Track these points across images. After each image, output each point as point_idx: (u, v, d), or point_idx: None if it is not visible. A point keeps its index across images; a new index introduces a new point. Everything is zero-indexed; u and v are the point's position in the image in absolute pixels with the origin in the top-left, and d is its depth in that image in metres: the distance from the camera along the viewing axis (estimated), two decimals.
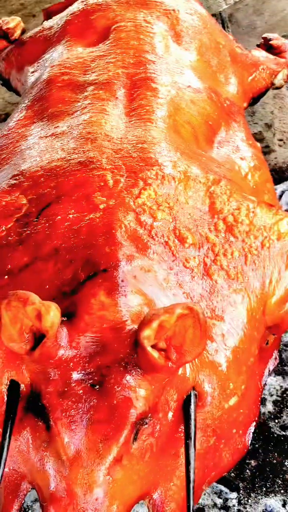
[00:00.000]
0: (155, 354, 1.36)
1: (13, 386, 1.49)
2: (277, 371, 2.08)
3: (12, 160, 2.01)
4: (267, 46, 3.05)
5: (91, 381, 1.41)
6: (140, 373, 1.41)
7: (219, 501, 1.82)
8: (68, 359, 1.42)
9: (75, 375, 1.42)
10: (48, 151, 1.95)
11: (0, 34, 3.08)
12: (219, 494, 1.84)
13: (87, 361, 1.42)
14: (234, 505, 1.81)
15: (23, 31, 3.10)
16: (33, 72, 2.68)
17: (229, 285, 1.68)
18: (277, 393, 2.04)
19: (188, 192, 1.80)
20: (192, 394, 1.52)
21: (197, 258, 1.69)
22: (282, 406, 2.01)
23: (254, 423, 1.72)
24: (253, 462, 1.89)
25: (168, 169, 1.82)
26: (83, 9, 2.75)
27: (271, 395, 2.03)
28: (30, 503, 1.83)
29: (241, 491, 1.84)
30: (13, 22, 3.08)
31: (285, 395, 2.03)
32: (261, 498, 1.81)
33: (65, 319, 1.46)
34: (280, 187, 2.77)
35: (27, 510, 1.82)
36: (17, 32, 3.06)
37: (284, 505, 1.79)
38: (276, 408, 2.00)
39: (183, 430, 1.51)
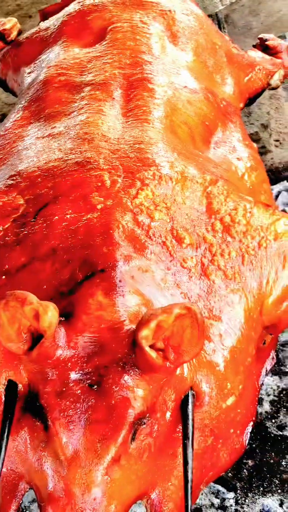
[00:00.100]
0: (153, 354, 1.36)
1: (11, 386, 1.49)
2: (274, 371, 2.08)
3: (9, 160, 2.01)
4: (263, 46, 3.05)
5: (89, 381, 1.41)
6: (138, 373, 1.41)
7: (216, 501, 1.83)
8: (66, 359, 1.42)
9: (73, 375, 1.42)
10: (45, 152, 1.95)
11: None
12: (217, 494, 1.84)
13: (85, 361, 1.42)
14: (231, 505, 1.81)
15: (20, 32, 3.10)
16: (29, 73, 2.68)
17: (226, 285, 1.68)
18: (274, 393, 2.04)
19: (185, 192, 1.80)
20: (190, 394, 1.53)
21: (194, 258, 1.69)
22: (279, 406, 2.01)
23: (251, 423, 1.72)
24: (250, 462, 1.89)
25: (165, 170, 1.82)
26: (79, 10, 2.75)
27: (268, 395, 2.03)
28: (28, 503, 1.83)
29: (239, 491, 1.84)
30: (10, 23, 3.08)
31: (282, 395, 2.03)
32: (258, 498, 1.82)
33: (63, 319, 1.46)
34: (276, 188, 2.78)
35: (24, 510, 1.82)
36: (14, 33, 3.06)
37: (281, 505, 1.79)
38: (273, 408, 2.01)
39: (181, 430, 1.51)
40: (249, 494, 1.83)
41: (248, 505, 1.81)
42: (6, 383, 1.50)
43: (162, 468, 1.52)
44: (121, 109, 2.12)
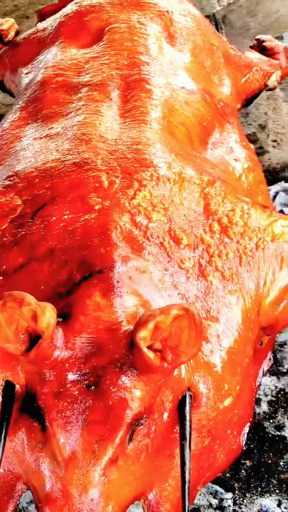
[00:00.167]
0: (150, 355, 1.36)
1: (8, 386, 1.49)
2: (272, 372, 2.08)
3: (7, 161, 2.01)
4: (260, 47, 3.05)
5: (87, 382, 1.41)
6: (136, 374, 1.41)
7: (214, 502, 1.83)
8: (64, 360, 1.43)
9: (71, 376, 1.42)
10: (42, 152, 1.95)
11: None
12: (215, 494, 1.84)
13: (83, 362, 1.43)
14: (229, 505, 1.82)
15: (17, 33, 3.09)
16: (27, 73, 2.68)
17: (224, 286, 1.69)
18: (271, 393, 2.04)
19: (183, 193, 1.81)
20: (187, 395, 1.53)
21: (192, 259, 1.69)
22: (276, 406, 2.01)
23: (248, 424, 1.73)
24: (248, 462, 1.89)
25: (163, 170, 1.82)
26: (76, 11, 2.75)
27: (266, 395, 2.04)
28: (26, 504, 1.83)
29: (237, 491, 1.84)
30: (7, 24, 3.07)
31: (279, 395, 2.04)
32: (256, 498, 1.82)
33: (60, 320, 1.46)
34: (274, 188, 2.78)
35: (22, 511, 1.82)
36: (11, 34, 3.06)
37: (279, 505, 1.79)
38: (271, 408, 2.01)
39: (178, 431, 1.51)
40: (247, 495, 1.83)
41: (246, 505, 1.81)
42: (3, 383, 1.50)
43: (160, 469, 1.52)
44: (119, 110, 2.12)
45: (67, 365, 1.42)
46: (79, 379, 1.41)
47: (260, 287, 1.74)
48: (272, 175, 2.89)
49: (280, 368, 2.10)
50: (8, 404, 1.48)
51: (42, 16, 3.19)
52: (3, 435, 1.45)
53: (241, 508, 1.81)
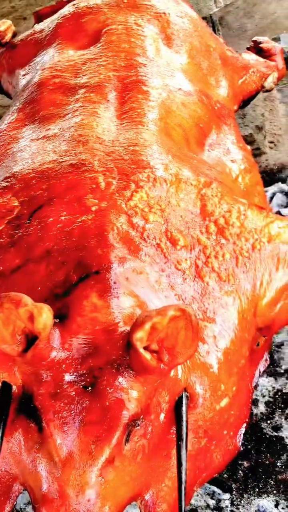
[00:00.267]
0: (147, 355, 1.36)
1: (5, 387, 1.49)
2: (269, 372, 2.09)
3: (4, 162, 2.01)
4: (257, 49, 3.06)
5: (84, 382, 1.41)
6: (132, 375, 1.41)
7: (212, 502, 1.83)
8: (61, 361, 1.43)
9: (68, 377, 1.42)
10: (39, 154, 1.95)
11: None
12: (212, 495, 1.84)
13: (80, 363, 1.43)
14: (227, 506, 1.82)
15: (14, 34, 3.10)
16: (24, 75, 2.68)
17: (220, 287, 1.69)
18: (269, 394, 2.04)
19: (179, 194, 1.81)
20: (183, 396, 1.53)
21: (188, 260, 1.69)
22: (274, 407, 2.01)
23: (244, 424, 1.73)
24: (245, 463, 1.89)
25: (160, 172, 1.83)
26: (74, 12, 2.75)
27: (263, 396, 2.04)
28: (23, 505, 1.84)
29: (234, 492, 1.84)
30: (4, 25, 3.08)
31: (277, 396, 2.04)
32: (254, 499, 1.82)
33: (57, 321, 1.46)
34: (271, 189, 2.78)
35: None
36: (8, 35, 3.06)
37: (276, 506, 1.80)
38: (268, 409, 2.01)
39: (174, 432, 1.51)
40: (244, 495, 1.83)
41: (243, 506, 1.81)
42: (0, 384, 1.50)
43: (156, 469, 1.52)
44: (116, 111, 2.12)
45: (64, 366, 1.42)
46: (76, 380, 1.41)
47: (257, 288, 1.75)
48: (269, 176, 2.89)
49: (277, 369, 2.10)
50: (5, 405, 1.48)
51: (39, 17, 3.20)
52: (0, 436, 1.45)
53: (238, 508, 1.81)
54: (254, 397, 2.00)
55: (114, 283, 1.54)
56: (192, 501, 1.82)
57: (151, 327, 1.33)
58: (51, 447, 1.39)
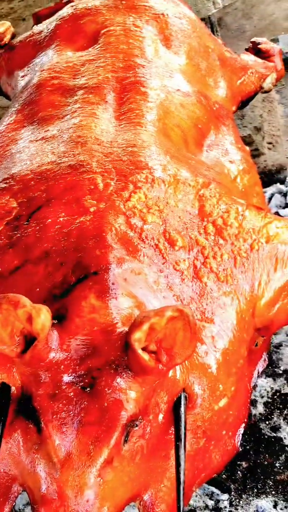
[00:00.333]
0: (145, 356, 1.36)
1: (4, 388, 1.49)
2: (268, 373, 2.09)
3: (3, 163, 2.02)
4: (255, 50, 3.06)
5: (82, 383, 1.41)
6: (131, 376, 1.42)
7: (210, 503, 1.83)
8: (59, 362, 1.43)
9: (66, 378, 1.42)
10: (38, 155, 1.95)
11: None
12: (211, 495, 1.84)
13: (78, 364, 1.43)
14: (225, 507, 1.82)
15: (13, 36, 3.10)
16: (23, 76, 2.69)
17: (218, 288, 1.69)
18: (267, 394, 2.05)
19: (177, 195, 1.81)
20: (182, 396, 1.53)
21: (187, 260, 1.69)
22: (272, 407, 2.01)
23: (243, 425, 1.73)
24: (244, 464, 1.89)
25: (158, 173, 1.83)
26: (72, 14, 2.76)
27: (262, 397, 2.04)
28: (22, 506, 1.84)
29: (233, 493, 1.84)
30: (3, 27, 3.08)
31: (275, 396, 2.04)
32: (253, 499, 1.82)
33: (55, 322, 1.47)
34: (269, 190, 2.79)
35: None
36: (7, 37, 3.06)
37: (275, 506, 1.80)
38: (267, 410, 2.01)
39: (173, 432, 1.51)
40: (243, 496, 1.83)
41: (242, 506, 1.81)
42: None
43: (155, 470, 1.53)
44: (114, 112, 2.12)
45: (62, 367, 1.42)
46: (74, 380, 1.42)
47: (255, 288, 1.75)
48: (268, 177, 2.90)
49: (276, 369, 2.10)
50: (4, 406, 1.48)
51: (38, 19, 3.20)
52: None
53: (237, 509, 1.81)
54: (252, 397, 2.00)
55: (112, 284, 1.54)
56: (191, 502, 1.82)
57: (149, 327, 1.33)
58: (49, 448, 1.39)
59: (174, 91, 2.28)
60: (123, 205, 1.72)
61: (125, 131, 2.01)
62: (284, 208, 2.72)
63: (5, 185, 1.86)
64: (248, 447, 1.93)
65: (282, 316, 1.81)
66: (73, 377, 1.42)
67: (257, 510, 1.80)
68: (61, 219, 1.70)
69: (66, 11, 2.83)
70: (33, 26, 3.11)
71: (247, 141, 3.02)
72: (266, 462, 1.89)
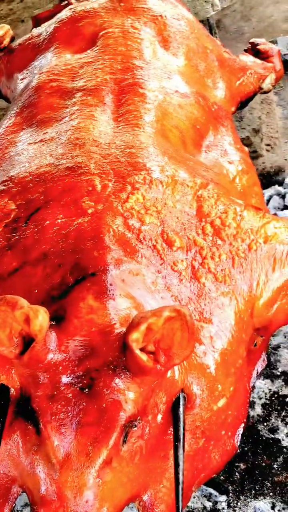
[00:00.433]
0: (143, 357, 1.36)
1: (3, 390, 1.50)
2: (266, 375, 2.09)
3: (1, 166, 2.02)
4: (254, 51, 3.06)
5: (80, 384, 1.41)
6: (129, 376, 1.42)
7: (208, 504, 1.83)
8: (57, 363, 1.43)
9: (64, 379, 1.42)
10: (36, 157, 1.96)
11: None
12: (209, 497, 1.84)
13: (76, 365, 1.43)
14: (223, 508, 1.82)
15: (13, 39, 3.10)
16: (22, 79, 2.69)
17: (216, 288, 1.69)
18: (265, 396, 2.05)
19: (175, 196, 1.81)
20: (181, 396, 1.53)
21: (185, 261, 1.69)
22: (270, 409, 2.02)
23: (243, 425, 1.73)
24: (242, 465, 1.90)
25: (156, 174, 1.83)
26: (71, 16, 2.76)
27: (260, 398, 2.04)
28: (20, 507, 1.84)
29: (231, 494, 1.84)
30: (2, 30, 3.08)
31: (273, 398, 2.04)
32: (250, 501, 1.82)
33: (54, 323, 1.47)
34: (268, 192, 2.79)
35: None
36: (6, 40, 3.06)
37: (273, 508, 1.80)
38: (265, 411, 2.01)
39: (172, 432, 1.51)
40: (241, 497, 1.84)
41: (240, 508, 1.81)
42: None
43: (154, 470, 1.53)
44: (112, 114, 2.12)
45: (60, 368, 1.43)
46: (73, 381, 1.42)
47: (253, 289, 1.75)
48: (266, 179, 2.90)
49: (274, 371, 2.10)
50: (4, 407, 1.48)
51: (37, 21, 3.20)
52: None
53: (235, 511, 1.81)
54: (250, 399, 2.00)
55: (110, 285, 1.54)
56: (189, 503, 1.82)
57: (146, 328, 1.33)
58: (48, 449, 1.40)
59: (172, 92, 2.29)
60: (121, 207, 1.72)
61: (123, 133, 2.01)
62: (282, 210, 2.72)
63: (3, 187, 1.86)
64: (246, 448, 1.93)
65: (280, 316, 1.82)
66: (71, 378, 1.42)
67: None
68: (59, 220, 1.70)
69: (64, 13, 2.84)
70: (32, 28, 3.11)
71: (245, 143, 3.02)
72: (264, 464, 1.89)
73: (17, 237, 1.71)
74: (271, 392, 2.05)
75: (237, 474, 1.88)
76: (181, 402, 1.53)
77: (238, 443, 1.71)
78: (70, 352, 1.44)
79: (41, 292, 1.57)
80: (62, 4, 3.14)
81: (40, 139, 2.07)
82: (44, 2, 4.49)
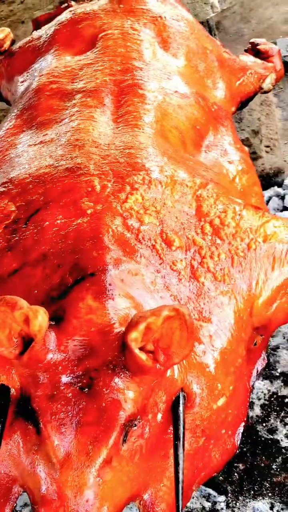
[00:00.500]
0: (142, 356, 1.36)
1: (3, 390, 1.50)
2: (265, 375, 2.09)
3: (1, 168, 2.02)
4: (254, 51, 3.06)
5: (80, 384, 1.42)
6: (129, 376, 1.42)
7: (207, 505, 1.83)
8: (57, 363, 1.43)
9: (64, 379, 1.42)
10: (36, 159, 1.96)
11: None
12: (208, 497, 1.84)
13: (76, 365, 1.43)
14: (222, 508, 1.82)
15: (13, 42, 3.10)
16: (22, 81, 2.70)
17: (216, 287, 1.69)
18: (264, 397, 2.05)
19: (175, 196, 1.81)
20: (180, 395, 1.53)
21: (184, 260, 1.70)
22: (269, 410, 2.02)
23: (243, 424, 1.73)
24: (241, 466, 1.90)
25: (155, 174, 1.83)
26: (71, 18, 2.77)
27: (259, 399, 2.04)
28: (19, 507, 1.84)
29: (229, 494, 1.84)
30: (2, 33, 3.08)
31: (272, 399, 2.04)
32: (249, 501, 1.82)
33: (53, 323, 1.47)
34: (267, 193, 2.79)
35: None
36: (7, 43, 3.06)
37: (271, 508, 1.80)
38: (264, 412, 2.01)
39: (172, 431, 1.52)
40: (240, 498, 1.84)
41: (239, 508, 1.81)
42: None
43: (154, 469, 1.53)
44: (112, 115, 2.13)
45: (60, 367, 1.43)
46: (73, 381, 1.42)
47: (253, 288, 1.75)
48: (265, 180, 2.90)
49: (273, 371, 2.10)
50: (4, 407, 1.48)
51: (38, 24, 3.21)
52: None
53: (234, 511, 1.81)
54: (250, 400, 2.00)
55: (109, 284, 1.55)
56: (188, 504, 1.82)
57: (145, 327, 1.34)
58: (48, 448, 1.40)
59: (172, 93, 2.29)
60: (120, 207, 1.73)
61: (122, 133, 2.02)
62: (282, 211, 2.72)
63: (3, 189, 1.87)
64: (245, 449, 1.93)
65: (280, 315, 1.82)
66: (71, 378, 1.42)
67: None
68: (58, 221, 1.71)
69: (64, 16, 2.84)
70: (32, 30, 3.12)
71: (245, 144, 3.00)
72: (263, 464, 1.89)
73: (17, 238, 1.71)
74: (270, 393, 2.05)
75: (236, 474, 1.88)
76: (181, 401, 1.53)
77: (239, 442, 1.71)
78: (70, 352, 1.44)
79: (40, 293, 1.57)
80: (62, 7, 3.14)
81: (40, 140, 2.08)
82: (44, 3, 4.49)
